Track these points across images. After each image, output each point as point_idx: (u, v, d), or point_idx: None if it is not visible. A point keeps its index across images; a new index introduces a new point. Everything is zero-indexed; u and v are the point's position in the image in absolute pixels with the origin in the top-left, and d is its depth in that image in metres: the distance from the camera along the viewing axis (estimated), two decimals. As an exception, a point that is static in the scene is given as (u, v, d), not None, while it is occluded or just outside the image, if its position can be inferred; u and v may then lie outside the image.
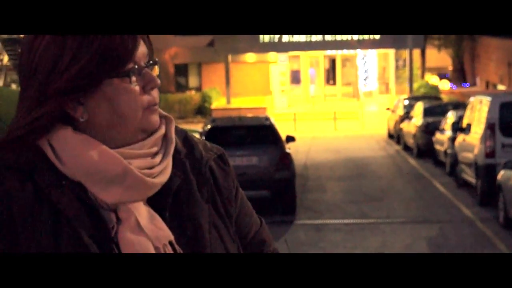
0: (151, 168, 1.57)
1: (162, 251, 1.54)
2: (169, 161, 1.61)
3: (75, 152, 1.52)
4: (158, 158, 1.59)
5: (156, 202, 1.59)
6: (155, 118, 1.57)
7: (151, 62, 1.57)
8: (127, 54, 1.51)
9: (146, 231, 1.54)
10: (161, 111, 1.65)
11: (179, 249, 1.57)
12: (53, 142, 1.53)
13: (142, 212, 1.55)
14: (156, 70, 1.58)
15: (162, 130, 1.62)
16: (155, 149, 1.59)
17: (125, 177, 1.52)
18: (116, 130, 1.54)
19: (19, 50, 1.56)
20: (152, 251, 1.53)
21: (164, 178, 1.58)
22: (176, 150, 1.64)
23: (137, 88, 1.53)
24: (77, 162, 1.52)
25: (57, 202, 1.50)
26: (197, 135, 1.89)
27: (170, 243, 1.56)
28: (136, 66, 1.53)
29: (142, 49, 1.55)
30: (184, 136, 1.70)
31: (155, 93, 1.56)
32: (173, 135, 1.64)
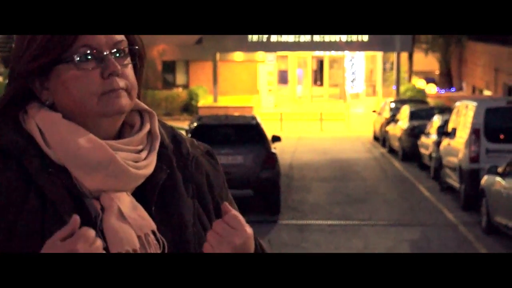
0: (136, 162, 1.61)
1: (145, 240, 1.58)
2: (154, 157, 1.65)
3: (63, 136, 1.57)
4: (143, 154, 1.64)
5: (143, 195, 1.62)
6: (114, 101, 1.59)
7: (115, 50, 1.59)
8: (62, 44, 1.57)
9: (128, 220, 1.58)
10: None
11: (161, 238, 1.60)
12: (41, 126, 1.59)
13: (125, 202, 1.59)
14: (127, 60, 1.62)
15: (147, 127, 1.67)
16: (140, 146, 1.64)
17: (109, 165, 1.57)
18: (77, 114, 1.59)
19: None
20: (135, 239, 1.57)
21: (147, 171, 1.62)
22: (163, 146, 1.68)
23: (93, 73, 1.58)
24: (64, 146, 1.57)
25: (43, 187, 1.55)
26: (183, 133, 1.91)
27: (153, 232, 1.60)
28: (89, 51, 1.57)
29: (110, 38, 1.59)
30: (172, 132, 1.73)
31: (115, 79, 1.59)
32: (157, 131, 1.68)
